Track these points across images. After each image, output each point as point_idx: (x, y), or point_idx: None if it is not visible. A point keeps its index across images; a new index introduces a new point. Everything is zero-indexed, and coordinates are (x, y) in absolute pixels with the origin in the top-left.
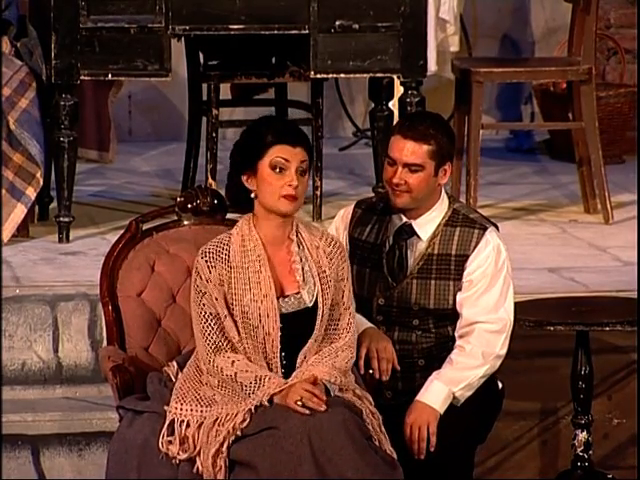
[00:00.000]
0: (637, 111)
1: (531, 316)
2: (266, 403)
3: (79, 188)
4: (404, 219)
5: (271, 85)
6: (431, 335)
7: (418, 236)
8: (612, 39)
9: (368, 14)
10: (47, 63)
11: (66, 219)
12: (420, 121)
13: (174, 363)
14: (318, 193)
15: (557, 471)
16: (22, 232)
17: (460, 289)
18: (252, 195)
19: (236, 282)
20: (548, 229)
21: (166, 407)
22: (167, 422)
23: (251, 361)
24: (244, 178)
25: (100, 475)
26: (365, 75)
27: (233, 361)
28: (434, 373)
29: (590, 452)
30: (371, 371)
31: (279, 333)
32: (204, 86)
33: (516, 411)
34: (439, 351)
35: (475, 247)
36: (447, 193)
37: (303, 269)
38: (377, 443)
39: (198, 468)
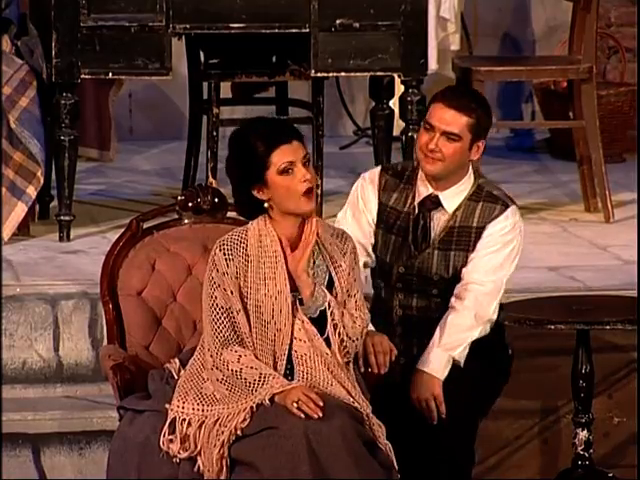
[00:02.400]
0: (638, 110)
1: (532, 315)
2: (267, 402)
3: (80, 187)
4: (430, 190)
5: (272, 84)
6: (448, 301)
7: (443, 208)
8: (613, 38)
9: (369, 13)
10: (48, 62)
11: (67, 218)
12: (463, 93)
13: (176, 360)
14: (319, 192)
15: (558, 470)
16: (23, 231)
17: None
18: (265, 205)
19: (252, 276)
20: (548, 228)
21: (167, 405)
22: (168, 420)
23: (258, 357)
24: (254, 192)
25: (101, 474)
26: (366, 74)
27: (240, 356)
28: (432, 341)
29: (591, 451)
30: (370, 370)
31: (290, 330)
32: (205, 85)
33: (517, 410)
34: None
35: (494, 219)
36: (473, 169)
37: (315, 262)
38: (380, 445)
39: (199, 467)
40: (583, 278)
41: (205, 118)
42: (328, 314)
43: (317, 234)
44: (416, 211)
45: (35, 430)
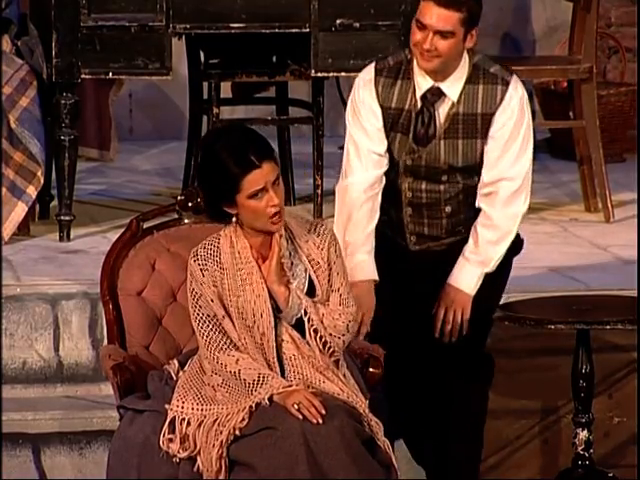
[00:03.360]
0: (638, 110)
1: (532, 315)
2: (266, 402)
3: (80, 187)
4: (430, 82)
5: (272, 84)
6: (458, 185)
7: (447, 96)
8: (613, 38)
9: (369, 12)
10: (48, 62)
11: (67, 218)
12: None
13: (175, 361)
14: (319, 192)
15: (558, 470)
16: (23, 231)
17: (486, 144)
18: (234, 219)
19: (229, 283)
20: (549, 228)
21: (167, 405)
22: (168, 420)
23: (253, 359)
24: (225, 207)
25: (101, 474)
26: None
27: (237, 359)
28: (464, 254)
29: (591, 451)
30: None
31: (273, 332)
32: (205, 85)
33: (517, 410)
34: (465, 198)
35: (500, 104)
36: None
37: (292, 263)
38: (378, 443)
39: (199, 467)
40: (583, 278)
41: (205, 118)
42: (305, 320)
43: (291, 233)
44: (419, 105)
45: (35, 430)
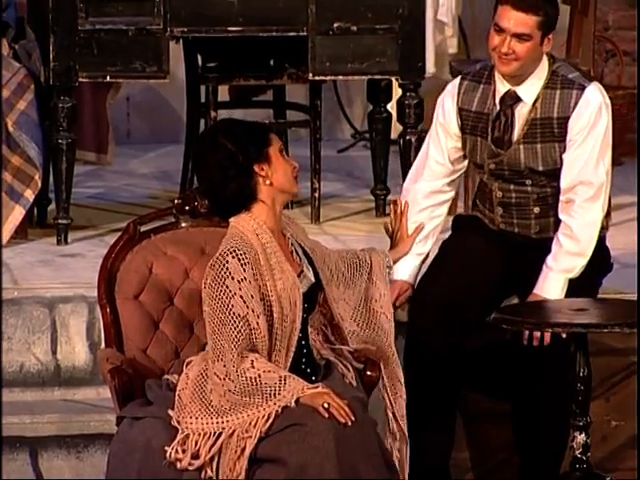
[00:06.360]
0: (637, 113)
1: (530, 318)
2: (293, 404)
3: (77, 190)
4: (508, 86)
5: (269, 87)
6: (544, 188)
7: (522, 100)
8: (610, 41)
9: (366, 16)
10: (45, 65)
11: (64, 221)
12: None
13: (175, 375)
14: (316, 195)
15: None
16: (20, 234)
17: (565, 150)
18: (267, 182)
19: (267, 273)
20: None
21: (170, 412)
22: (180, 437)
23: (272, 353)
24: (257, 168)
25: (99, 477)
26: (363, 77)
27: (252, 361)
28: (547, 263)
29: (588, 454)
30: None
31: (301, 318)
32: (202, 88)
33: None
34: (554, 201)
35: (575, 107)
36: (547, 54)
37: (297, 252)
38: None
39: (206, 472)
40: None
41: (203, 121)
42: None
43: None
44: (497, 109)
45: (33, 433)
